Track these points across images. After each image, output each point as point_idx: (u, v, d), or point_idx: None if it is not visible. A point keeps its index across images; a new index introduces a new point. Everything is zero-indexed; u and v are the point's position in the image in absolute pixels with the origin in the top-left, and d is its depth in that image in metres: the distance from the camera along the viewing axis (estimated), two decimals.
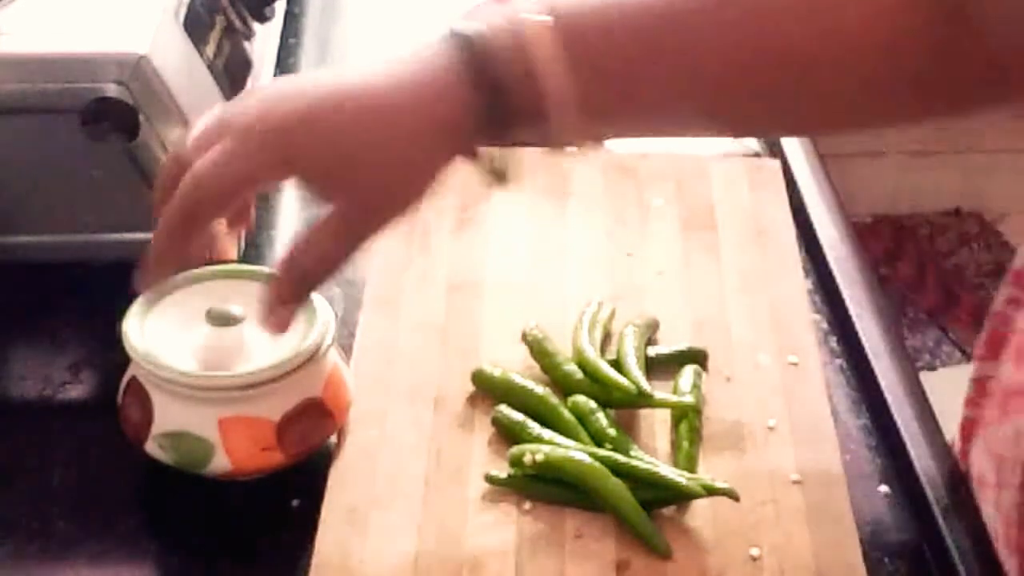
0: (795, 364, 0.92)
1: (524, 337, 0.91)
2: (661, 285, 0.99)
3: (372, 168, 0.69)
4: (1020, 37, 0.66)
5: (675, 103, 0.70)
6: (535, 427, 0.85)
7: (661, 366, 0.90)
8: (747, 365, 0.92)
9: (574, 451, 0.82)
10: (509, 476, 0.82)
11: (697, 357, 0.91)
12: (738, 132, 0.86)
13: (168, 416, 0.81)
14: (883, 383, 0.92)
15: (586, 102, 0.68)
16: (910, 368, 0.95)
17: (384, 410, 0.88)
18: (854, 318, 0.98)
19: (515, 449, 0.83)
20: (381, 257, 1.01)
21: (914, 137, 2.68)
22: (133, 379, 0.83)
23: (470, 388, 0.89)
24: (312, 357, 0.82)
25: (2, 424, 0.89)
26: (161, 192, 0.71)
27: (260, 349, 0.83)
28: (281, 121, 0.68)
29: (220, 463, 0.80)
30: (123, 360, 0.83)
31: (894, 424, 0.89)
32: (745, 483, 0.81)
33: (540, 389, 0.87)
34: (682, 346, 0.92)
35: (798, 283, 1.00)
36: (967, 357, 2.47)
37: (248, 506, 0.83)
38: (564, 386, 0.88)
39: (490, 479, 0.82)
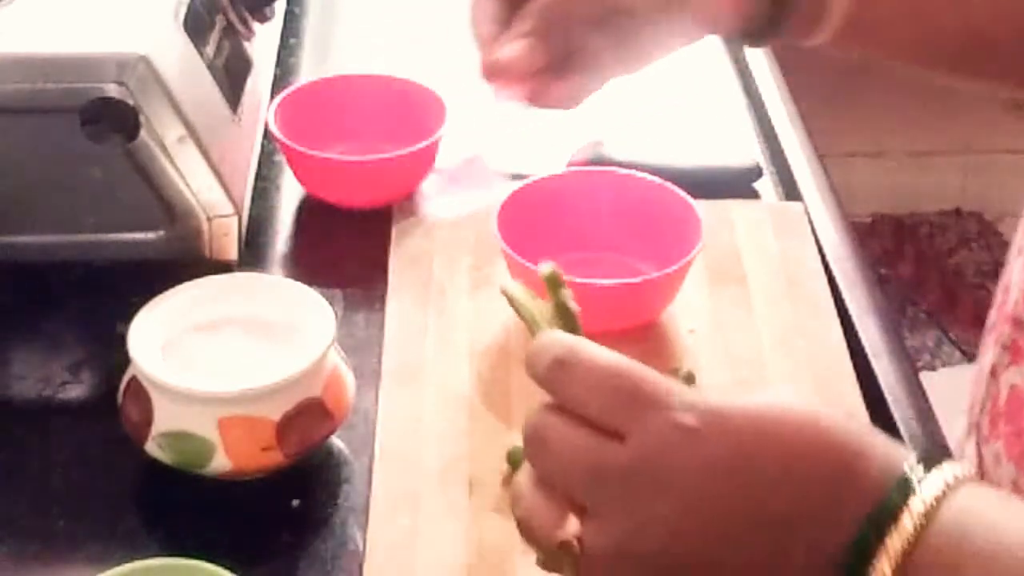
0: None
1: None
2: (695, 344, 0.95)
3: None
4: None
5: (908, 48, 0.85)
6: None
7: None
8: None
9: None
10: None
11: None
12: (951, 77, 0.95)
13: (168, 416, 0.81)
14: (883, 383, 0.92)
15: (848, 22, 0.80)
16: (910, 368, 0.95)
17: (415, 495, 0.83)
18: (854, 318, 0.98)
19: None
20: (396, 322, 0.96)
21: (914, 137, 2.68)
22: (133, 379, 0.83)
23: (504, 466, 0.84)
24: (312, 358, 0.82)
25: (2, 424, 0.89)
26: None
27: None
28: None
29: (220, 463, 0.80)
30: (123, 360, 0.83)
31: (894, 424, 0.89)
32: None
33: None
34: None
35: (837, 338, 0.95)
36: (967, 357, 2.47)
37: (248, 506, 0.83)
38: None
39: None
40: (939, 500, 0.55)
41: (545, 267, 0.64)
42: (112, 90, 0.90)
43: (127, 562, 0.73)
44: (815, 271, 1.02)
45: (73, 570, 0.80)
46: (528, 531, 0.58)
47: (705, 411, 0.56)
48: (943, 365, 2.47)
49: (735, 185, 1.12)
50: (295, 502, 0.84)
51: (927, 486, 0.55)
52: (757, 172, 1.13)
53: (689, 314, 0.98)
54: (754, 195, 1.12)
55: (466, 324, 0.96)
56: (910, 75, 0.88)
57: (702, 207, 0.98)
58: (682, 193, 1.00)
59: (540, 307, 0.63)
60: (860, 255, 1.05)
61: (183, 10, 0.99)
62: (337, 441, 0.87)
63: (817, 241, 1.05)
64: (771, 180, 1.14)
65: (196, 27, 1.00)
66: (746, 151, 1.17)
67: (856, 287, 1.01)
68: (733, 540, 0.56)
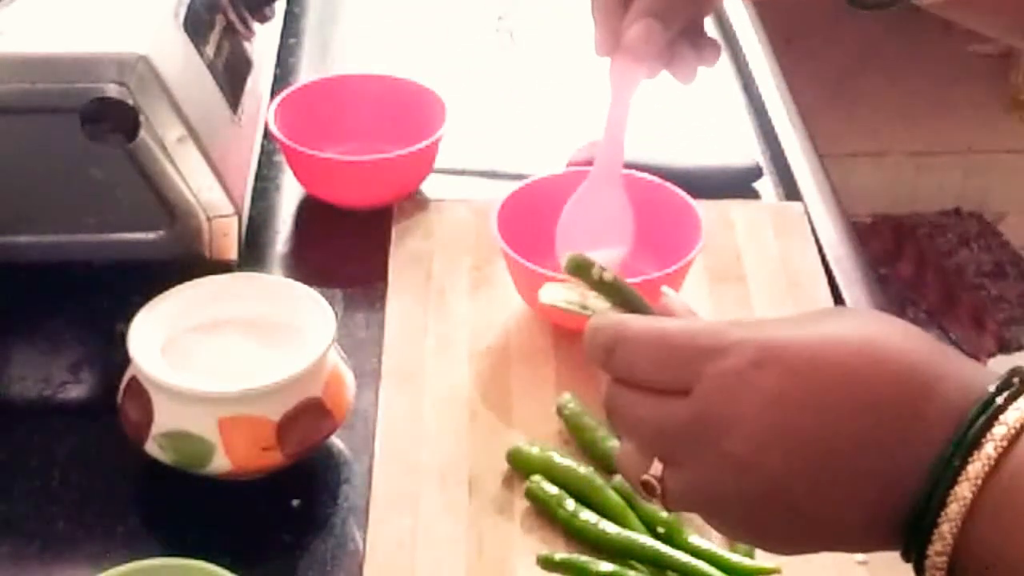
0: None
1: (560, 411, 0.87)
2: None
3: None
4: None
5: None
6: (571, 503, 0.81)
7: None
8: None
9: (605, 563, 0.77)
10: (561, 560, 0.78)
11: None
12: None
13: (168, 416, 0.81)
14: None
15: None
16: None
17: (415, 495, 0.84)
18: None
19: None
20: (396, 322, 0.96)
21: (914, 137, 2.68)
22: (133, 379, 0.83)
23: (504, 466, 0.85)
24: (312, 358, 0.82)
25: (2, 424, 0.89)
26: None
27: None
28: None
29: (220, 463, 0.80)
30: (123, 360, 0.83)
31: None
32: (807, 566, 0.73)
33: (583, 468, 0.83)
34: None
35: None
36: (967, 357, 2.47)
37: (248, 506, 0.83)
38: (605, 463, 0.83)
39: (543, 560, 0.78)
40: None
41: (566, 259, 0.65)
42: (112, 90, 0.90)
43: (127, 562, 0.73)
44: (815, 271, 1.02)
45: (73, 570, 0.80)
46: (620, 471, 0.63)
47: (757, 348, 0.57)
48: None
49: (735, 185, 1.12)
50: (295, 502, 0.84)
51: (1013, 410, 0.55)
52: (757, 172, 1.13)
53: None
54: (754, 195, 1.12)
55: (466, 324, 0.96)
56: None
57: (702, 207, 0.98)
58: (682, 193, 1.00)
59: (584, 295, 0.65)
60: (860, 255, 1.05)
61: (183, 10, 0.99)
62: (337, 441, 0.87)
63: (817, 241, 1.05)
64: (771, 180, 1.14)
65: (196, 27, 1.00)
66: (746, 151, 1.17)
67: (856, 287, 1.01)
68: (802, 470, 0.57)
